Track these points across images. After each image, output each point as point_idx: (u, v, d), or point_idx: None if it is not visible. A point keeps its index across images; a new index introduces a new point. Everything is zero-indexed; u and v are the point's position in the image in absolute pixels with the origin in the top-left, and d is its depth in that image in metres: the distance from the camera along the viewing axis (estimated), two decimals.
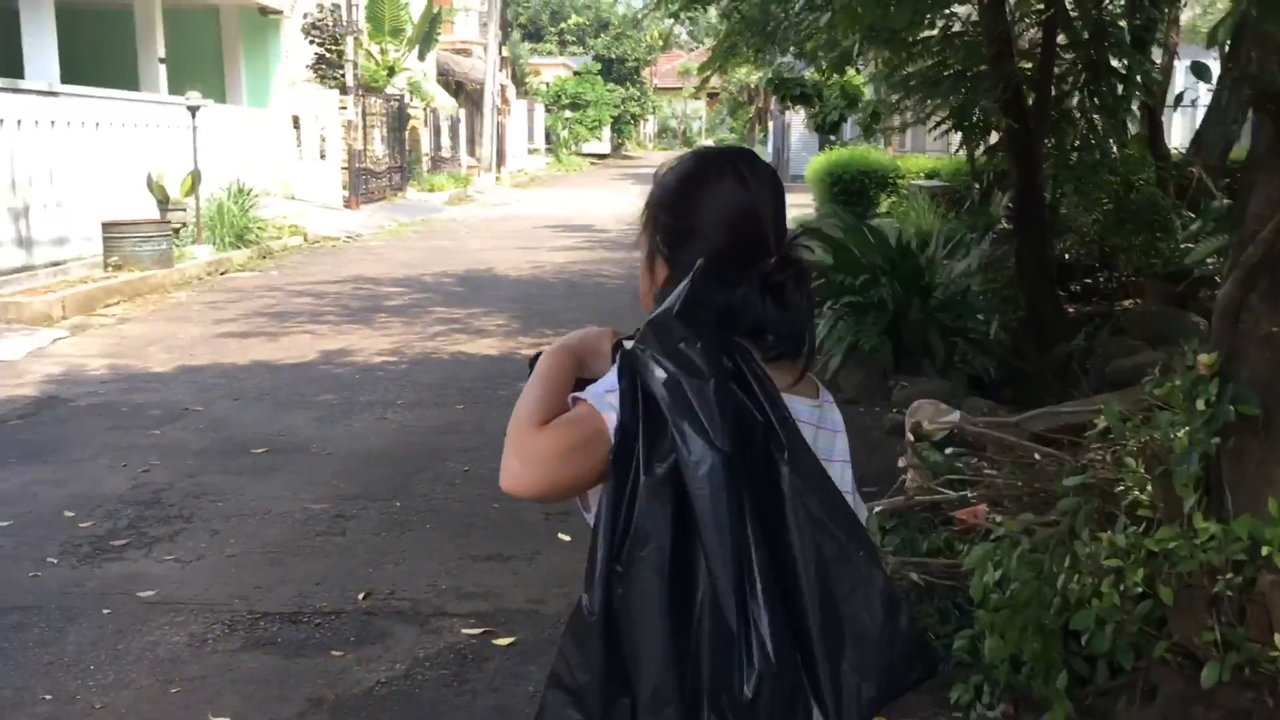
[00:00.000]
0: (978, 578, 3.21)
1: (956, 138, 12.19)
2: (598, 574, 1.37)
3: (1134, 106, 9.57)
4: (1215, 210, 7.92)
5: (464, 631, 4.27)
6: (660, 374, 1.39)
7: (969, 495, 4.16)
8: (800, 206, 23.62)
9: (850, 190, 19.15)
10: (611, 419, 1.42)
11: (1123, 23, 8.56)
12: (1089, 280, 9.64)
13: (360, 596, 4.55)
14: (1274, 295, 2.74)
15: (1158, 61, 9.03)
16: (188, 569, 4.81)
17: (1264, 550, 2.67)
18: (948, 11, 8.27)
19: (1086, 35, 8.59)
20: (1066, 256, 9.55)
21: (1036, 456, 4.10)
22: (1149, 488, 3.14)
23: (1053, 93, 8.50)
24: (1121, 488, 3.42)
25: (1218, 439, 2.79)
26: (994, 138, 9.86)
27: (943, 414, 4.67)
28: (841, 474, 1.58)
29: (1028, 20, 8.71)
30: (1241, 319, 2.82)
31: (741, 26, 10.77)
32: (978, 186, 13.01)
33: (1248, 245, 2.75)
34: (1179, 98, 9.30)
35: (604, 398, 1.45)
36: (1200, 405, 2.75)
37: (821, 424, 1.59)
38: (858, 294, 8.15)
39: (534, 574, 4.89)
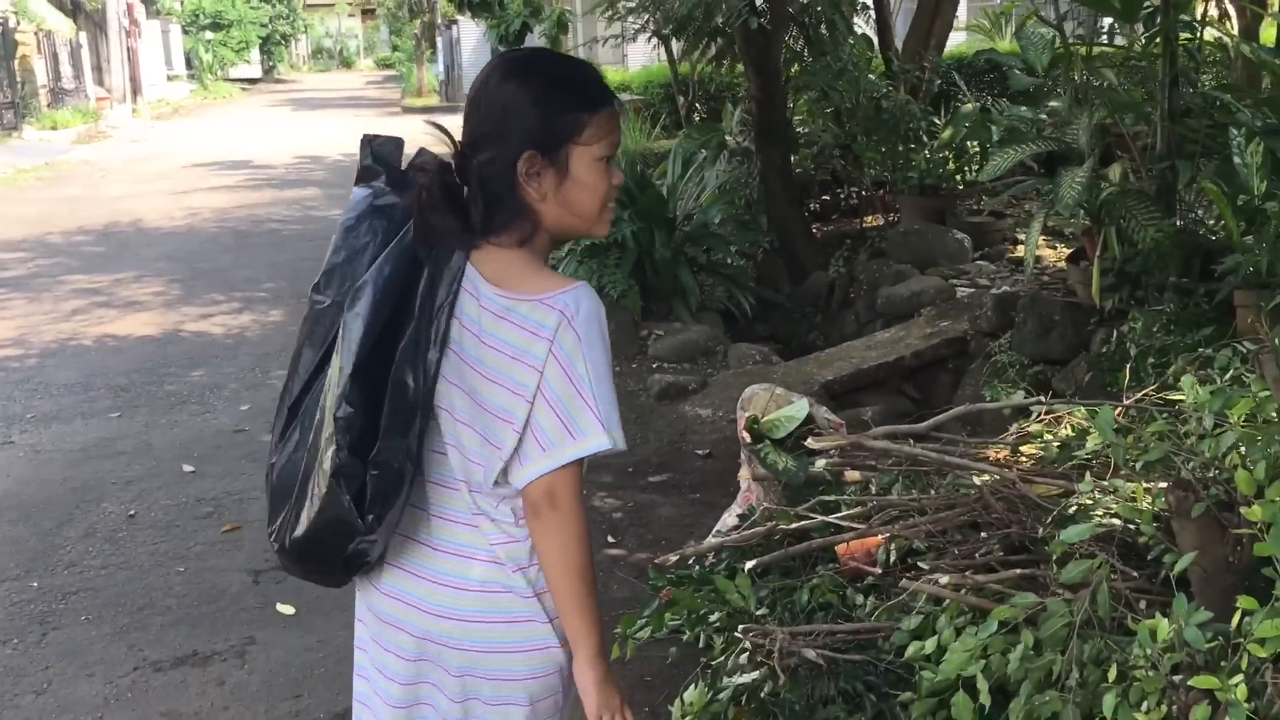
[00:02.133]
0: (961, 701, 2.15)
1: (638, 48, 11.19)
2: None
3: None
4: (968, 114, 7.30)
5: None
6: None
7: (843, 516, 3.12)
8: None
9: None
10: None
11: None
12: (826, 197, 8.92)
13: None
14: None
15: None
16: None
17: None
18: None
19: None
20: (798, 171, 8.76)
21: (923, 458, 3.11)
22: (1181, 532, 2.19)
23: None
24: (1101, 516, 2.46)
25: None
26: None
27: (781, 402, 3.61)
28: (524, 375, 1.64)
29: None
30: None
31: None
32: (682, 99, 12.12)
33: None
34: None
35: None
36: None
37: (508, 315, 1.66)
38: None
39: (249, 681, 3.46)
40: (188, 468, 5.18)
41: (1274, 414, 2.17)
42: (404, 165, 1.80)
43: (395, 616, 1.81)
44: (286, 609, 3.85)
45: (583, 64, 1.84)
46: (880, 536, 2.97)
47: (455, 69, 29.27)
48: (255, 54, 44.89)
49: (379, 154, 1.79)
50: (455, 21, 27.31)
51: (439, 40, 30.67)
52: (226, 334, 7.54)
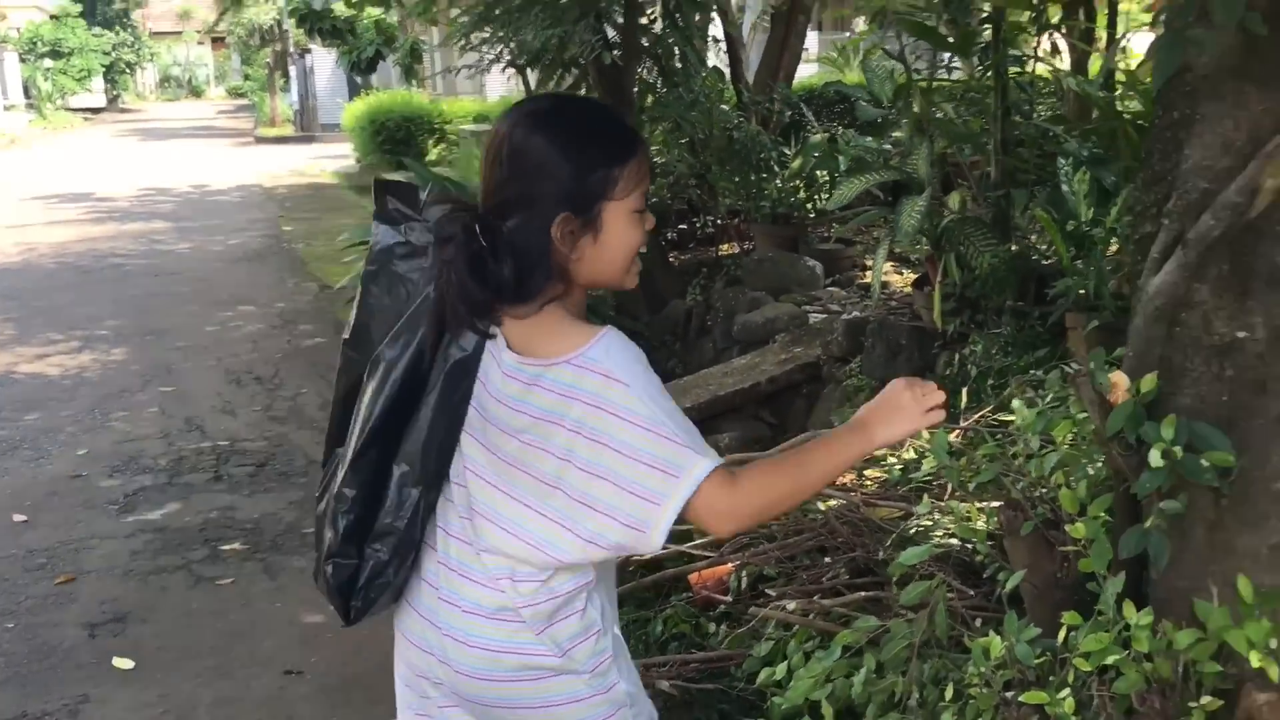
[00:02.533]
0: None
1: (498, 78, 11.21)
2: None
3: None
4: (817, 144, 7.48)
5: None
6: None
7: (695, 544, 3.14)
8: (338, 158, 21.78)
9: (395, 139, 17.72)
10: None
11: None
12: (683, 226, 9.02)
13: None
14: (1236, 286, 1.91)
15: None
16: None
17: (1252, 657, 1.85)
18: None
19: None
20: (654, 201, 8.86)
21: None
22: (1013, 550, 2.26)
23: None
24: (940, 537, 2.53)
25: (1176, 504, 1.93)
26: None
27: None
28: (566, 439, 1.57)
29: None
30: (1182, 321, 1.96)
31: None
32: None
33: (1192, 214, 1.89)
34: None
35: None
36: (1156, 457, 1.87)
37: (538, 382, 1.59)
38: None
39: None
40: (19, 517, 4.91)
41: (1092, 434, 2.26)
42: (422, 209, 1.70)
43: (425, 668, 1.76)
44: (124, 664, 3.67)
45: (608, 111, 1.77)
46: (731, 564, 2.99)
47: (310, 98, 28.74)
48: (98, 82, 43.25)
49: (397, 201, 1.70)
50: (309, 50, 26.85)
51: (292, 69, 30.09)
52: (64, 374, 7.20)
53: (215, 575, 4.30)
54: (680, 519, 1.59)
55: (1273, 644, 1.89)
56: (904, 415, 1.67)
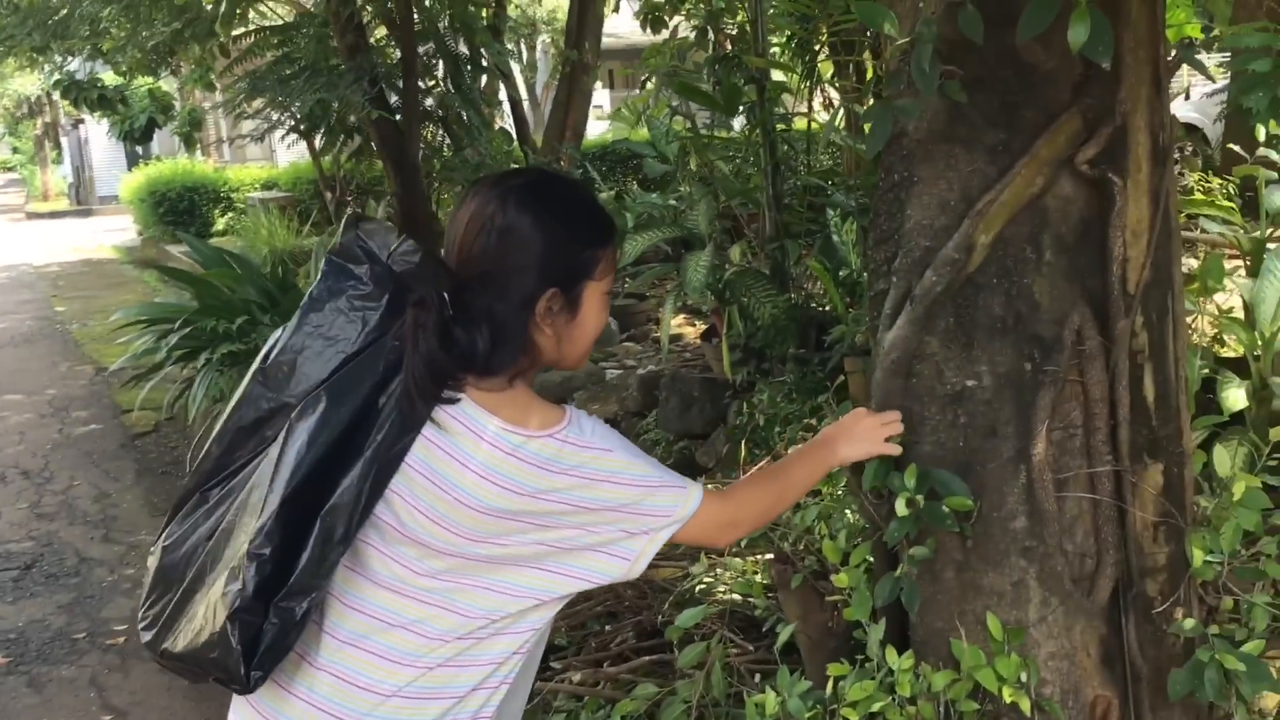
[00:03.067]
0: None
1: (284, 144, 11.04)
2: None
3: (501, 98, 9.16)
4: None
5: None
6: None
7: None
8: (118, 231, 20.80)
9: (178, 210, 17.05)
10: None
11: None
12: None
13: None
14: (962, 337, 2.00)
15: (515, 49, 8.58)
16: None
17: (1005, 694, 1.92)
18: None
19: (442, 23, 7.91)
20: None
21: None
22: (788, 604, 2.29)
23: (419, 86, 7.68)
24: (722, 593, 2.55)
25: (924, 549, 1.99)
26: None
27: None
28: (526, 506, 1.56)
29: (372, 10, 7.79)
30: (916, 372, 2.04)
31: (17, 20, 8.66)
32: (330, 194, 11.92)
33: (917, 271, 1.98)
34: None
35: None
36: (901, 506, 1.93)
37: (517, 453, 1.55)
38: (236, 340, 6.66)
39: None
40: None
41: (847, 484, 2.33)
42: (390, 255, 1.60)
43: None
44: None
45: (590, 192, 1.77)
46: None
47: (86, 169, 27.44)
48: None
49: (365, 240, 1.59)
50: (82, 120, 25.67)
51: (65, 140, 28.69)
52: None
53: None
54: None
55: (1023, 677, 1.97)
56: (865, 437, 1.94)
